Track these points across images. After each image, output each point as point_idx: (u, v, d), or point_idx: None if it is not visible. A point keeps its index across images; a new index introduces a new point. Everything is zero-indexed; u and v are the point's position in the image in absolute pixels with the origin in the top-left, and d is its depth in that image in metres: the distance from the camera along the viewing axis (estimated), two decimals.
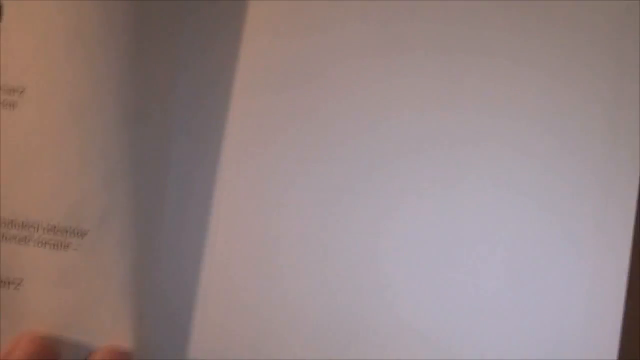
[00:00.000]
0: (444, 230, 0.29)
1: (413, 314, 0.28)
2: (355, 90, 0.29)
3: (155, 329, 0.28)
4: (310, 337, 0.28)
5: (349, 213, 0.29)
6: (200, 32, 0.29)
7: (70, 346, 0.26)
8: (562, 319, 0.29)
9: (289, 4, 0.29)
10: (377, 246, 0.28)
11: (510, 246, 0.29)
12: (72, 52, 0.26)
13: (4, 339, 0.26)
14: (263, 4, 0.29)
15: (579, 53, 0.30)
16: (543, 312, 0.29)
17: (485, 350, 0.29)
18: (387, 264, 0.28)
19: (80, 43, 0.26)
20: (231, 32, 0.29)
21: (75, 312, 0.27)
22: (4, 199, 0.26)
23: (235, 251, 0.28)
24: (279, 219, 0.29)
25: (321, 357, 0.28)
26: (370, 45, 0.29)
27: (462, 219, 0.29)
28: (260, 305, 0.28)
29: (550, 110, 0.29)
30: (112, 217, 0.27)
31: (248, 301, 0.28)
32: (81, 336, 0.27)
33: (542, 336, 0.29)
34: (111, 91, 0.27)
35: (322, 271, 0.28)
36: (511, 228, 0.29)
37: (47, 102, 0.26)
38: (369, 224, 0.29)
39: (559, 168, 0.29)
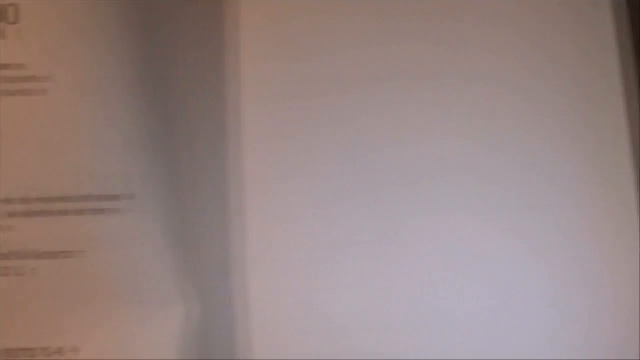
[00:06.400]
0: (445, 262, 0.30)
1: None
2: (354, 116, 0.31)
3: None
4: None
5: (352, 234, 0.30)
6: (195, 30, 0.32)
7: None
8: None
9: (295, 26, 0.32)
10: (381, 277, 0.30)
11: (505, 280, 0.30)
12: (91, 44, 0.30)
13: (71, 311, 0.30)
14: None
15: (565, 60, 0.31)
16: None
17: None
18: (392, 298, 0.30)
19: (97, 37, 0.30)
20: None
21: (133, 275, 0.29)
22: (52, 175, 0.30)
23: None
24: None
25: None
26: (371, 70, 0.32)
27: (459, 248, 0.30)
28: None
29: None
30: (154, 180, 0.30)
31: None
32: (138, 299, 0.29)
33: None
34: (126, 74, 0.30)
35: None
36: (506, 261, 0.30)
37: (74, 87, 0.30)
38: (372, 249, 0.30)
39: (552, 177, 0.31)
